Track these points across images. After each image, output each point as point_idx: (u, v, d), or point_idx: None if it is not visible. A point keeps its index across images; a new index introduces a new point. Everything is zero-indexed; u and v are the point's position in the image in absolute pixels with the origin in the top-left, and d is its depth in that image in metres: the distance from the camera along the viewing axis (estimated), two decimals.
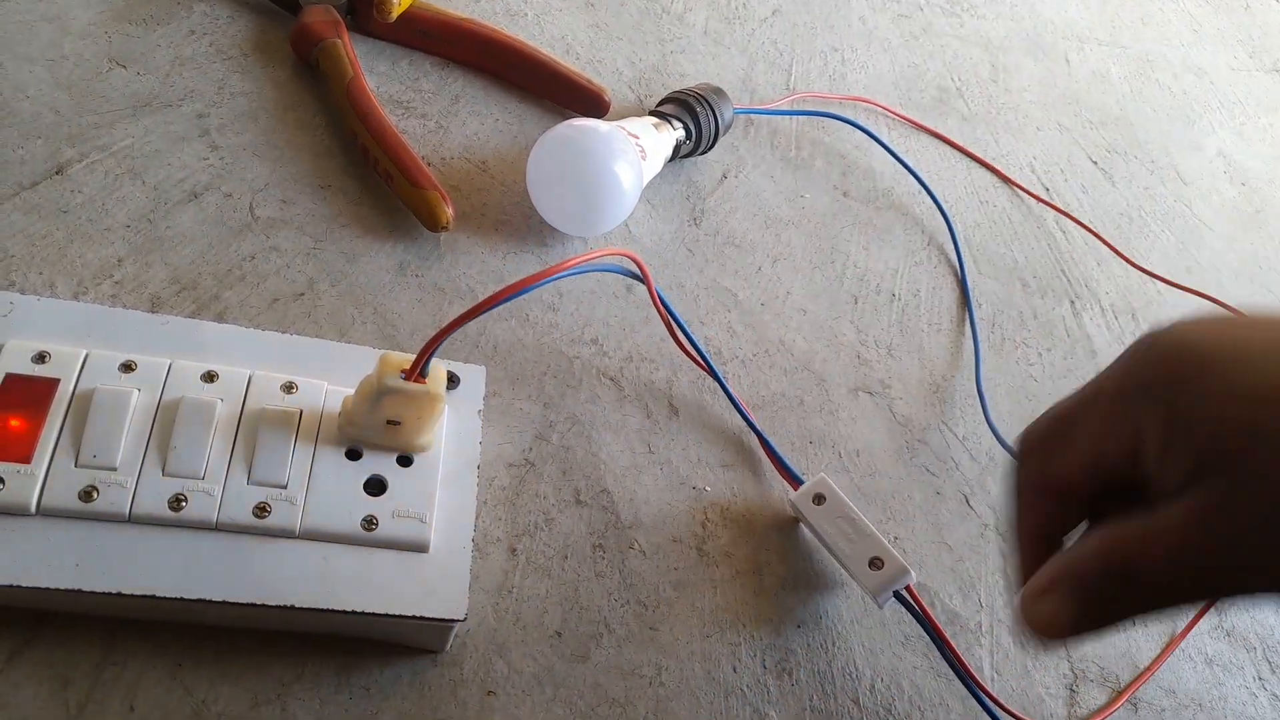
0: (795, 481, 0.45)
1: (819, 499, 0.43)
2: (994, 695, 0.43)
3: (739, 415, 0.47)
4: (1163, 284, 0.68)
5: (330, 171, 0.49)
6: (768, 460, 0.47)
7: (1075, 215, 0.70)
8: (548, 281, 0.34)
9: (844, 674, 0.42)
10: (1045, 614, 0.28)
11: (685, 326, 0.47)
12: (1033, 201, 0.70)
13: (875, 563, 0.41)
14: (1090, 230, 0.69)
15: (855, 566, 0.42)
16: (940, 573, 0.47)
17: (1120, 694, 0.46)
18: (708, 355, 0.48)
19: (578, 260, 0.36)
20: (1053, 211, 0.70)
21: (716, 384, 0.48)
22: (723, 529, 0.44)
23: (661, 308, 0.46)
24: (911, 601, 0.42)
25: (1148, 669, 0.47)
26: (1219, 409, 0.25)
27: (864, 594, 0.43)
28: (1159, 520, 0.26)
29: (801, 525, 0.45)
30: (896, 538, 0.47)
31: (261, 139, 0.49)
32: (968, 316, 0.60)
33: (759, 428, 0.47)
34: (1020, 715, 0.43)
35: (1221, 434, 0.25)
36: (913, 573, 0.41)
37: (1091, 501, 0.30)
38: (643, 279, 0.44)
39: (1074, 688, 0.45)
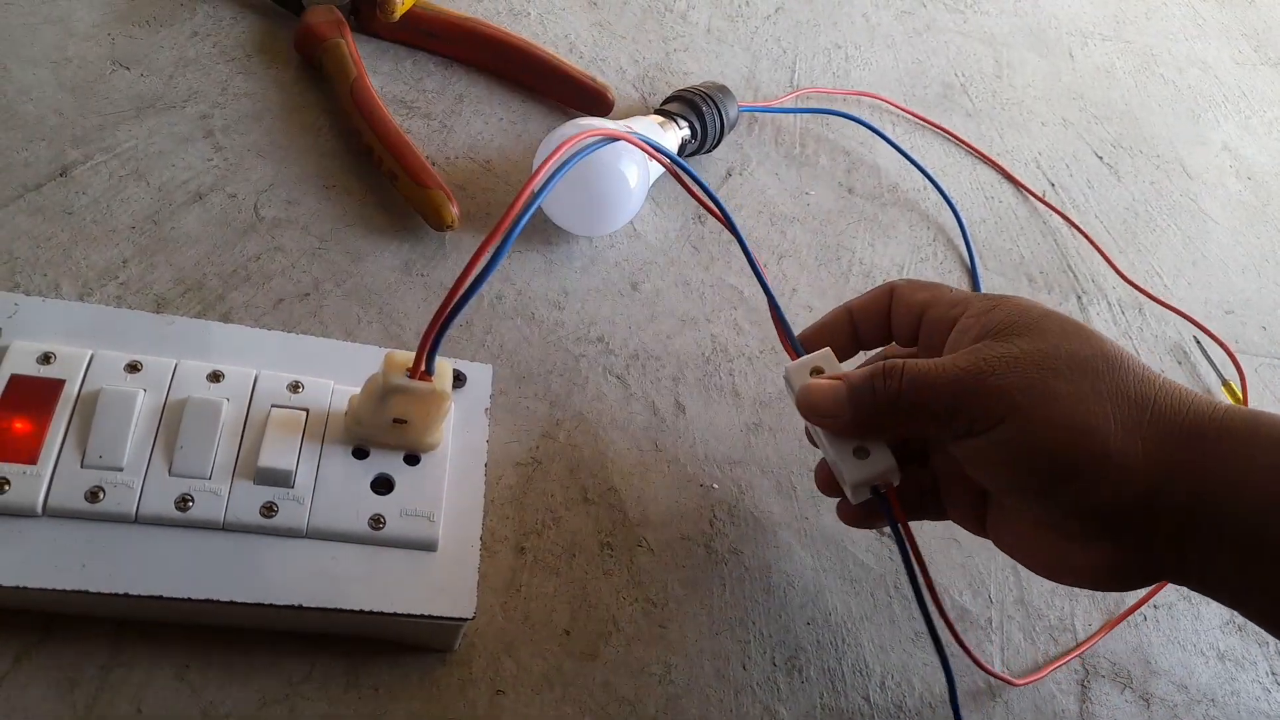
0: (795, 352, 0.39)
1: (817, 371, 0.37)
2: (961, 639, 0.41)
3: (754, 273, 0.40)
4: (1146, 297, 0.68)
5: (335, 172, 0.49)
6: (774, 444, 0.46)
7: (1081, 211, 0.70)
8: (520, 221, 0.31)
9: (854, 671, 0.42)
10: (821, 390, 0.35)
11: (691, 170, 0.41)
12: (1037, 197, 0.70)
13: (860, 451, 0.36)
14: (1087, 237, 0.69)
15: (839, 453, 0.36)
16: (950, 569, 0.47)
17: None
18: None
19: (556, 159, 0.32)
20: (1059, 207, 0.70)
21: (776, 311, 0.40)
22: (731, 526, 0.44)
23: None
24: (889, 505, 0.37)
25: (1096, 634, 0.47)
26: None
27: (844, 486, 0.38)
28: (931, 358, 0.34)
29: (791, 399, 0.39)
30: None
31: (265, 140, 0.49)
32: None
33: (769, 286, 0.39)
34: (985, 665, 0.42)
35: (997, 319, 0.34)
36: (898, 473, 0.36)
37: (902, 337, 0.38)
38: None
39: (1085, 683, 0.45)
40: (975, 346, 0.33)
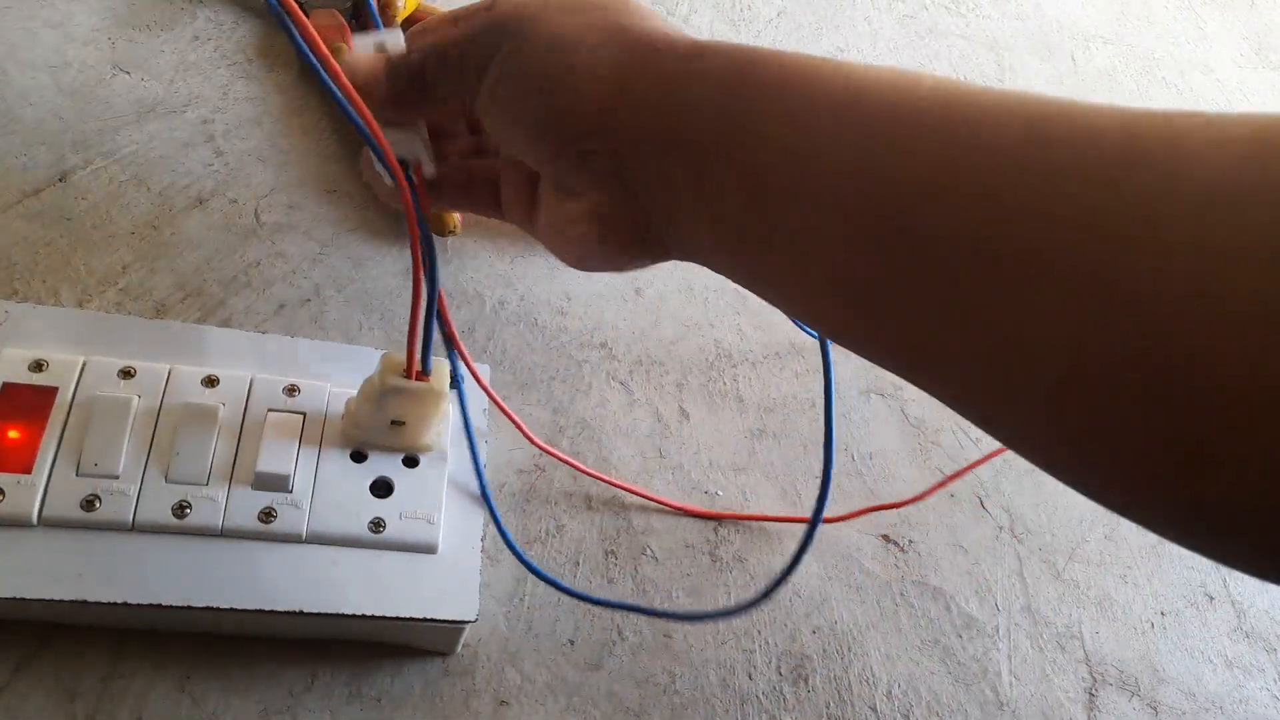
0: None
1: (380, 47, 0.34)
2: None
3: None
4: None
5: (336, 176, 0.49)
6: (779, 450, 0.46)
7: None
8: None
9: (860, 680, 0.41)
10: (362, 61, 0.33)
11: None
12: None
13: (397, 128, 0.34)
14: None
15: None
16: (956, 575, 0.46)
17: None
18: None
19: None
20: None
21: None
22: (735, 534, 0.44)
23: None
24: (412, 183, 0.33)
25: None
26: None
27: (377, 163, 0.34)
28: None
29: None
30: (911, 540, 0.47)
31: (266, 144, 0.48)
32: None
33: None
34: None
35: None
36: (429, 154, 0.34)
37: None
38: None
39: (1093, 691, 0.45)
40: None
